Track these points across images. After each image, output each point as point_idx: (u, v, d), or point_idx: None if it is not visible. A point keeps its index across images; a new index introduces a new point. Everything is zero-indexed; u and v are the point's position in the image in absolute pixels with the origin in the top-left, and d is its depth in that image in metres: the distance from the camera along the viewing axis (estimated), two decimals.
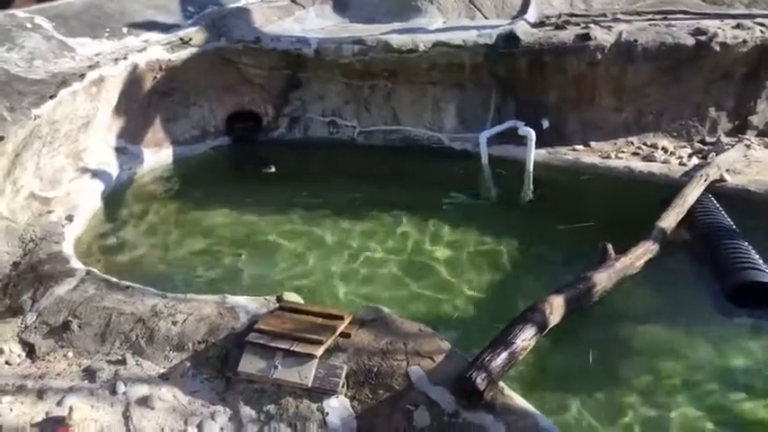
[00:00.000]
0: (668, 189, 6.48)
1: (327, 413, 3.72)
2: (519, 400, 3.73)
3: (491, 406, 3.58)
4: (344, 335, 4.08)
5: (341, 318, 4.17)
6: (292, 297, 4.63)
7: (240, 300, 4.56)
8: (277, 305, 4.42)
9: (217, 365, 4.11)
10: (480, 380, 3.59)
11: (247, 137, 8.97)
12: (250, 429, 3.71)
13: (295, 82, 8.91)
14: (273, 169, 7.14)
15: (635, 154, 7.67)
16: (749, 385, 4.33)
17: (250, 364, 3.91)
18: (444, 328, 4.81)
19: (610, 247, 5.41)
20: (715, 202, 6.30)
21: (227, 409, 3.86)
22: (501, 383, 3.82)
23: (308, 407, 3.76)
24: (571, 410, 4.16)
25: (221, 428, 3.74)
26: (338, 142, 8.81)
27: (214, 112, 8.91)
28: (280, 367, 3.84)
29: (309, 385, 3.78)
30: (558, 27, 8.13)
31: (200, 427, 3.76)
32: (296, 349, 3.88)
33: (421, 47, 7.94)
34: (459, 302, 5.38)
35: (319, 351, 3.88)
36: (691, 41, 7.42)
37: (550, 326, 4.47)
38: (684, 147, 7.75)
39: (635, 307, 5.24)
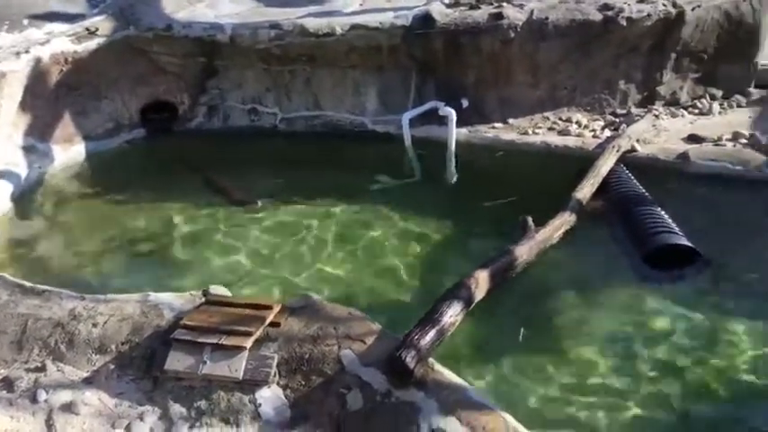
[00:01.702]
0: (583, 161, 6.70)
1: (260, 404, 3.69)
2: (449, 375, 3.81)
3: (422, 383, 3.64)
4: (274, 324, 4.05)
5: (269, 308, 4.13)
6: (219, 290, 4.55)
7: (164, 297, 4.44)
8: (203, 300, 4.33)
9: (143, 365, 4.01)
10: (410, 358, 3.64)
11: (164, 128, 8.70)
12: (181, 427, 3.64)
13: (211, 69, 8.69)
14: (260, 204, 6.69)
15: (551, 129, 7.89)
16: (667, 345, 4.54)
17: (177, 362, 3.83)
18: (375, 310, 4.83)
19: (530, 220, 5.58)
20: (627, 171, 6.57)
21: (156, 409, 3.77)
22: (431, 360, 3.89)
23: (240, 399, 3.72)
24: (500, 381, 4.28)
25: (151, 428, 3.66)
26: (260, 130, 8.66)
27: (127, 103, 8.59)
28: (208, 362, 3.78)
29: (240, 378, 3.74)
30: (473, 7, 8.22)
31: (128, 428, 3.67)
32: (224, 343, 3.83)
33: (338, 30, 7.88)
34: (389, 283, 5.43)
35: (248, 343, 3.83)
36: (599, 17, 7.66)
37: (476, 300, 4.58)
38: (597, 120, 8.04)
39: (556, 276, 5.41)
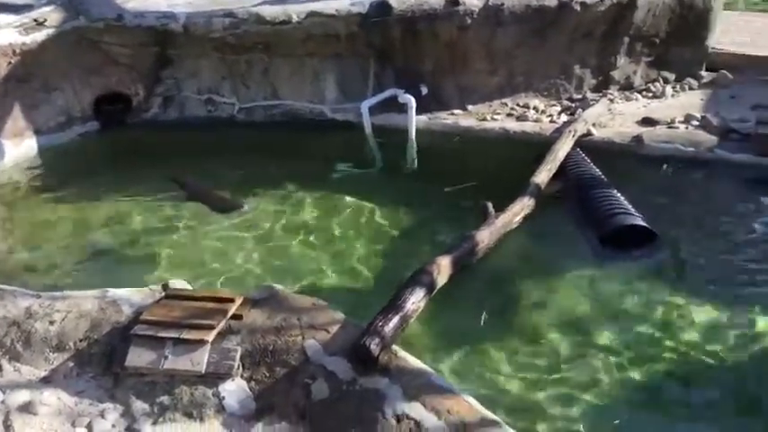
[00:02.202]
0: (541, 146, 6.79)
1: (224, 397, 3.66)
2: (413, 361, 3.83)
3: (386, 370, 3.65)
4: (236, 317, 4.01)
5: (231, 300, 4.09)
6: (179, 284, 4.49)
7: (122, 292, 4.36)
8: (163, 294, 4.27)
9: (103, 362, 3.93)
10: (374, 345, 3.65)
11: (118, 120, 8.51)
12: (144, 423, 3.59)
13: (165, 59, 8.53)
14: (246, 208, 6.34)
15: (509, 115, 7.97)
16: (626, 324, 4.63)
17: (138, 358, 3.77)
18: (339, 299, 4.82)
19: (490, 205, 5.63)
20: (583, 155, 6.68)
21: (118, 406, 3.71)
22: (395, 347, 3.91)
23: (204, 393, 3.69)
24: (464, 365, 4.31)
25: (113, 425, 3.60)
26: (217, 120, 8.55)
27: (79, 95, 8.37)
28: (170, 357, 3.73)
29: (203, 371, 3.70)
30: None
31: (89, 427, 3.60)
32: (186, 337, 3.78)
33: (294, 18, 7.80)
34: (352, 271, 5.43)
35: (210, 336, 3.79)
36: (554, 3, 7.73)
37: (439, 286, 4.61)
38: (554, 105, 8.14)
39: (517, 260, 5.49)
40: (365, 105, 7.91)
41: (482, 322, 4.62)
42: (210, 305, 4.04)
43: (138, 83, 8.57)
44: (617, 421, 3.79)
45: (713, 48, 8.90)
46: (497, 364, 4.31)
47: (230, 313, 3.99)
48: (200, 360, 3.72)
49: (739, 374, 4.15)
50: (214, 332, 3.83)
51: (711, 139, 6.92)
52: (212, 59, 8.46)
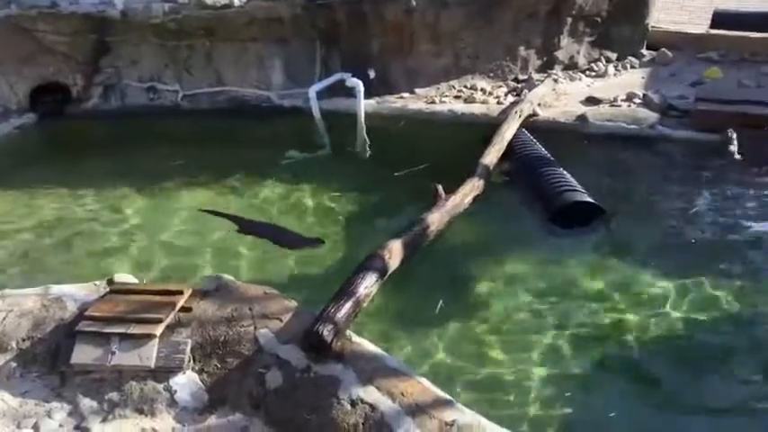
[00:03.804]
0: (489, 127, 6.85)
1: (176, 391, 3.59)
2: (367, 346, 3.82)
3: (340, 355, 3.63)
4: (185, 309, 3.92)
5: (180, 292, 4.00)
6: (125, 278, 4.37)
7: (66, 288, 4.21)
8: (108, 289, 4.15)
9: (48, 361, 3.80)
10: (327, 332, 3.63)
11: (57, 111, 8.21)
12: (93, 421, 3.50)
13: (104, 47, 8.25)
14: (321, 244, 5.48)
15: (457, 97, 8.02)
16: (578, 298, 4.74)
17: (84, 354, 3.66)
18: (291, 287, 4.80)
19: (440, 187, 5.66)
20: (529, 135, 6.76)
21: (65, 404, 3.60)
22: (349, 332, 3.89)
23: (154, 388, 3.61)
24: (419, 346, 4.35)
25: (60, 425, 3.50)
26: (161, 109, 8.32)
27: (14, 87, 8.05)
28: (117, 353, 3.63)
29: (153, 366, 3.61)
30: None
31: (35, 427, 3.49)
32: (133, 331, 3.68)
33: (236, 2, 7.62)
34: (304, 258, 5.38)
35: (159, 330, 3.70)
36: None
37: (391, 270, 4.61)
38: (500, 86, 8.22)
39: (469, 240, 5.55)
40: (313, 90, 7.83)
41: (437, 310, 4.63)
42: (158, 298, 3.95)
43: (76, 72, 8.27)
44: (568, 394, 3.87)
45: (653, 26, 9.13)
46: (451, 345, 4.35)
47: (179, 306, 3.90)
48: (149, 355, 3.64)
49: (689, 344, 4.29)
50: (162, 326, 3.74)
51: (653, 116, 7.10)
52: (153, 46, 8.23)
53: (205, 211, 5.96)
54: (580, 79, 8.40)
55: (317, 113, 7.88)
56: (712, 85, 7.87)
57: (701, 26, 9.51)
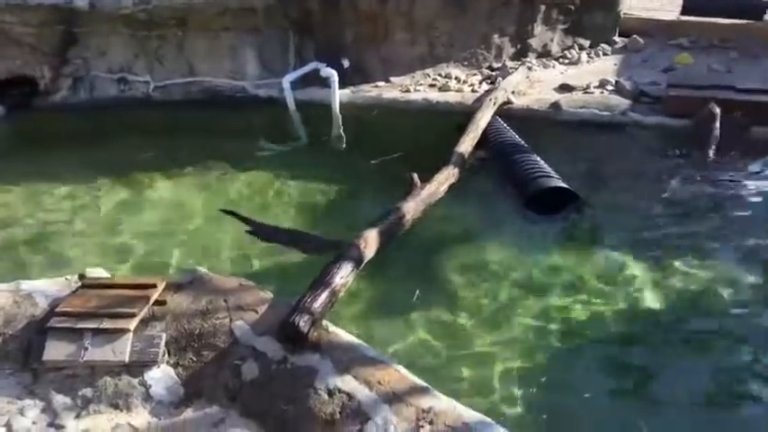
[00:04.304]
0: (464, 116, 6.85)
1: (151, 385, 3.56)
2: (345, 336, 3.82)
3: (317, 346, 3.62)
4: (159, 302, 3.89)
5: (153, 286, 3.95)
6: (97, 273, 4.31)
7: (37, 284, 4.14)
8: (80, 284, 4.09)
9: (19, 358, 3.74)
10: (303, 322, 3.62)
11: (24, 104, 8.05)
12: (66, 417, 3.45)
13: (72, 38, 8.08)
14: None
15: (432, 85, 8.01)
16: (555, 285, 4.77)
17: (56, 351, 3.61)
18: (268, 278, 4.78)
19: (415, 176, 5.64)
20: (504, 123, 6.78)
21: (38, 401, 3.55)
22: (325, 322, 3.89)
23: (129, 383, 3.57)
24: (396, 335, 4.35)
25: (33, 422, 3.45)
26: (132, 100, 8.19)
27: None
28: (90, 348, 3.58)
29: (127, 360, 3.58)
30: None
31: (8, 425, 3.43)
32: (106, 326, 3.63)
33: None
34: (280, 249, 5.33)
35: (132, 324, 3.66)
36: None
37: (367, 259, 4.61)
38: (475, 74, 8.23)
39: (445, 229, 5.56)
40: (287, 80, 7.76)
41: (414, 298, 4.63)
42: (131, 292, 3.90)
43: (43, 64, 8.10)
44: (543, 378, 3.91)
45: (625, 13, 9.20)
46: (428, 333, 4.36)
47: (153, 299, 3.86)
48: (123, 349, 3.59)
49: (662, 327, 4.34)
50: (136, 320, 3.70)
51: (625, 102, 7.16)
52: (123, 37, 8.09)
53: (225, 212, 5.34)
54: (554, 67, 8.44)
55: (291, 103, 7.82)
56: (683, 71, 7.96)
57: (672, 13, 9.59)
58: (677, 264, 4.88)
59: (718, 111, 6.50)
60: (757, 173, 6.10)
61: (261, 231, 5.19)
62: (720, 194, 5.77)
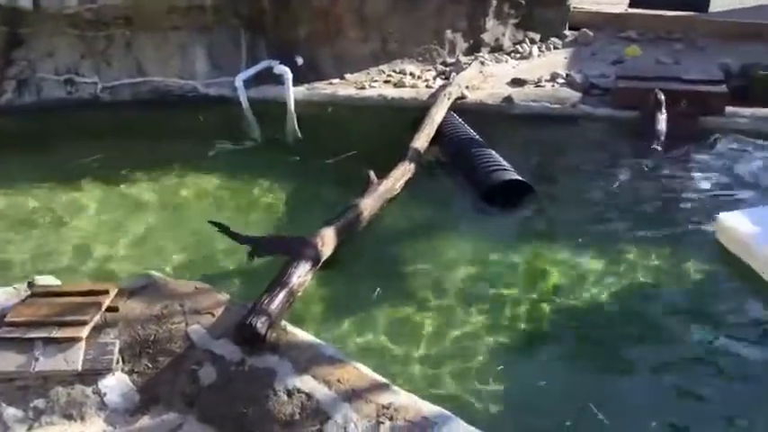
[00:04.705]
0: (419, 111, 6.89)
1: (105, 393, 3.49)
2: (303, 336, 3.81)
3: (275, 347, 3.61)
4: (112, 309, 3.82)
5: (105, 292, 3.88)
6: (46, 280, 4.20)
7: None
8: (29, 292, 3.98)
9: None
10: (260, 324, 3.59)
11: None
12: (18, 430, 3.36)
13: (16, 39, 7.83)
14: None
15: (387, 82, 8.01)
16: (512, 277, 4.82)
17: (5, 362, 3.51)
18: (225, 281, 4.74)
19: (371, 173, 5.66)
20: (458, 118, 6.83)
21: None
22: (283, 322, 3.87)
23: (82, 392, 3.49)
24: (356, 333, 4.34)
25: None
26: (80, 102, 7.94)
27: None
28: (41, 358, 3.49)
29: (79, 369, 3.50)
30: None
31: None
32: (57, 335, 3.55)
33: None
34: (237, 251, 5.26)
35: (84, 332, 3.59)
36: None
37: (324, 258, 4.60)
38: (429, 70, 8.26)
39: (402, 225, 5.58)
40: (239, 79, 7.66)
41: (374, 296, 4.62)
42: (82, 299, 3.82)
43: None
44: (501, 371, 3.95)
45: (575, 7, 9.36)
46: (388, 330, 4.36)
47: (105, 306, 3.79)
48: (75, 358, 3.51)
49: (618, 315, 4.43)
50: (88, 327, 3.63)
51: (575, 95, 7.29)
52: (69, 37, 7.85)
53: (215, 224, 4.98)
54: (506, 61, 8.54)
55: (244, 102, 7.72)
56: (632, 63, 8.14)
57: (620, 6, 9.79)
58: (624, 254, 4.97)
59: (662, 98, 6.66)
60: (704, 162, 6.27)
61: (261, 246, 4.85)
62: (667, 185, 5.92)
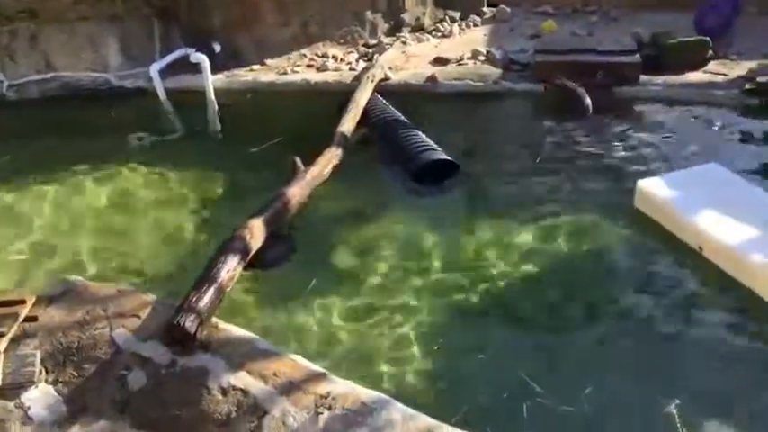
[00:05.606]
0: (343, 95, 6.81)
1: (29, 407, 3.33)
2: (236, 331, 3.73)
3: (207, 345, 3.53)
4: (30, 318, 3.64)
5: (22, 302, 3.70)
6: None
7: None
8: None
9: None
10: (189, 322, 3.50)
11: None
12: None
13: None
14: None
15: (309, 66, 7.90)
16: (445, 255, 4.84)
17: None
18: (151, 281, 4.59)
19: (298, 160, 5.57)
20: (383, 99, 6.81)
21: None
22: (215, 319, 3.78)
23: (4, 407, 3.32)
24: (292, 324, 4.27)
25: None
26: None
27: None
28: None
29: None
30: None
31: None
32: None
33: None
34: (162, 249, 5.11)
35: (2, 345, 3.41)
36: None
37: (254, 250, 4.50)
38: (351, 52, 8.20)
39: (333, 210, 5.51)
40: (154, 69, 7.40)
41: (310, 286, 4.56)
42: None
43: None
44: (439, 350, 3.98)
45: None
46: (323, 318, 4.31)
47: (22, 316, 3.61)
48: None
49: (547, 288, 4.51)
50: (5, 340, 3.45)
51: (496, 71, 7.39)
52: None
53: None
54: (428, 40, 8.56)
55: (161, 93, 7.46)
56: (549, 38, 8.29)
57: None
58: (550, 226, 5.06)
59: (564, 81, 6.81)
60: (621, 131, 6.47)
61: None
62: (587, 155, 6.08)
